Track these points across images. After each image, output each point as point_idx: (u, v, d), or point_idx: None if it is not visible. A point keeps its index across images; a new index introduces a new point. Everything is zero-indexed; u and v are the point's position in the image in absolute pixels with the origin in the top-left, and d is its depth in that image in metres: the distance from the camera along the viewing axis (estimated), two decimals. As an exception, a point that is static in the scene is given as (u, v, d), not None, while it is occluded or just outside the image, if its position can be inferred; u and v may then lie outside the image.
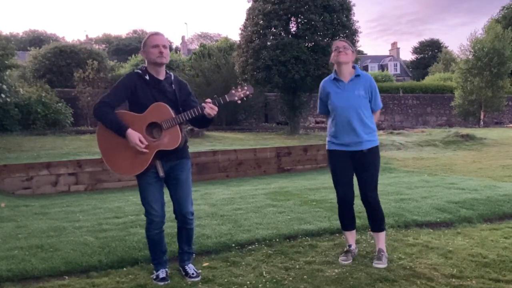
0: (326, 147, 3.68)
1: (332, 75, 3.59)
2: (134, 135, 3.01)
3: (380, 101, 3.65)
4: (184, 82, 3.35)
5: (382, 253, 3.55)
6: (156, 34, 3.17)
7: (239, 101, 3.20)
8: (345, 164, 3.56)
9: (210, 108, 3.06)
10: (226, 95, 3.17)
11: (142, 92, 3.11)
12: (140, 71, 3.17)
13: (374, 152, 3.56)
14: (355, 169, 3.59)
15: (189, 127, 2.98)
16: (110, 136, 3.09)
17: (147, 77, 3.15)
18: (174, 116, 3.06)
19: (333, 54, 3.54)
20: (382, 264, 3.43)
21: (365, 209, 3.66)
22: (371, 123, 3.57)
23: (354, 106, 3.47)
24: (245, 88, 3.21)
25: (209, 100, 3.11)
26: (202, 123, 3.28)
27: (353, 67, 3.57)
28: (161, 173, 3.16)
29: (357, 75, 3.54)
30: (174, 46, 53.83)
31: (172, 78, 3.25)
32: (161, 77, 3.19)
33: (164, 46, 3.12)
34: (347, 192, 3.60)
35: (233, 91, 3.19)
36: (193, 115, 3.08)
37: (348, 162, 3.56)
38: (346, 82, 3.52)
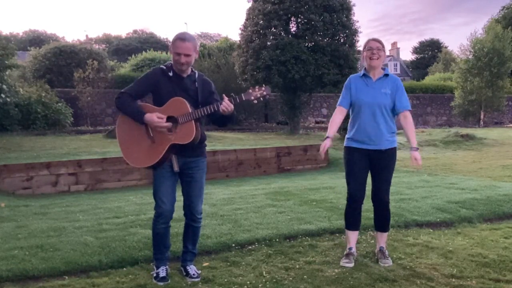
0: (345, 143, 3.68)
1: (362, 72, 3.62)
2: (152, 116, 3.07)
3: (407, 101, 3.62)
4: (208, 80, 3.36)
5: (386, 251, 3.58)
6: (183, 40, 3.10)
7: (255, 101, 3.18)
8: (362, 162, 3.55)
9: (225, 105, 3.08)
10: (242, 94, 3.18)
11: (164, 88, 3.16)
12: (164, 67, 3.21)
13: (392, 153, 3.58)
14: (371, 169, 3.59)
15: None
16: (128, 128, 3.18)
17: (170, 73, 3.18)
18: (191, 111, 3.08)
19: (365, 53, 3.54)
20: (389, 262, 3.45)
21: (374, 209, 3.65)
22: (393, 124, 3.59)
23: (380, 103, 3.49)
24: (263, 88, 3.18)
25: (226, 97, 3.13)
26: (221, 121, 3.30)
27: (383, 69, 3.60)
28: (176, 168, 3.18)
29: (386, 75, 3.57)
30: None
31: (196, 76, 3.27)
32: (185, 74, 3.22)
33: (186, 55, 3.10)
34: (359, 190, 3.56)
35: (250, 91, 3.18)
36: (209, 111, 3.10)
37: (365, 161, 3.56)
38: (374, 80, 3.56)
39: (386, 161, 3.56)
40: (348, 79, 3.68)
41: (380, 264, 3.46)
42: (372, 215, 3.78)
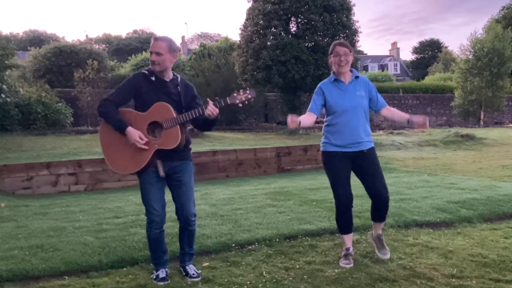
0: (322, 148, 3.65)
1: (332, 77, 3.59)
2: (134, 133, 3.05)
3: (383, 99, 3.67)
4: (190, 85, 3.35)
5: (383, 237, 3.64)
6: (155, 39, 3.16)
7: (240, 104, 3.19)
8: (345, 165, 3.53)
9: (210, 109, 3.07)
10: (227, 98, 3.18)
11: (146, 93, 3.14)
12: (146, 72, 3.20)
13: (373, 151, 3.59)
14: (356, 171, 3.58)
15: (189, 127, 2.97)
16: (111, 133, 3.14)
17: (153, 78, 3.18)
18: (175, 116, 3.07)
19: (332, 59, 3.52)
20: (387, 254, 3.48)
21: (375, 205, 3.60)
22: (369, 125, 3.61)
23: (358, 106, 3.50)
24: (247, 92, 3.19)
25: (210, 101, 3.12)
26: (205, 125, 3.30)
27: (351, 71, 3.60)
28: (161, 173, 3.17)
29: (356, 77, 3.58)
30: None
31: (179, 80, 3.27)
32: (167, 78, 3.21)
33: (158, 54, 3.10)
34: (348, 194, 3.55)
35: (235, 94, 3.19)
36: (194, 116, 3.10)
37: (347, 164, 3.54)
38: (347, 84, 3.55)
39: (370, 159, 3.55)
40: (318, 87, 3.61)
41: (378, 255, 3.45)
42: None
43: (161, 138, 3.10)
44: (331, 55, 3.53)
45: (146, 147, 3.06)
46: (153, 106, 3.09)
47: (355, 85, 3.55)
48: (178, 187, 3.25)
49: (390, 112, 3.66)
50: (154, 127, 3.13)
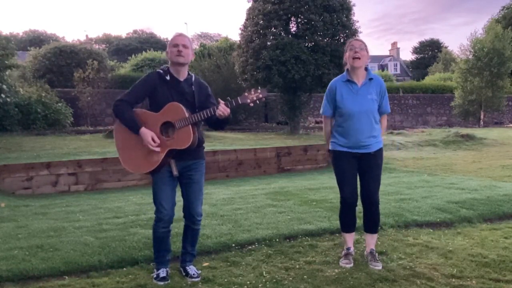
0: (330, 147, 3.63)
1: (345, 76, 3.53)
2: (147, 134, 3.07)
3: (388, 105, 3.62)
4: (205, 84, 3.37)
5: (376, 253, 3.58)
6: (179, 34, 3.23)
7: (252, 104, 3.17)
8: (351, 164, 3.53)
9: (221, 110, 3.08)
10: (238, 97, 3.17)
11: (161, 92, 3.16)
12: (161, 71, 3.22)
13: (379, 154, 3.56)
14: (360, 171, 3.57)
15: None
16: (126, 134, 3.17)
17: (167, 77, 3.20)
18: (187, 116, 3.08)
19: (348, 53, 3.47)
20: (379, 266, 3.44)
21: (364, 210, 3.62)
22: (378, 126, 3.57)
23: (368, 110, 3.45)
24: (258, 91, 3.17)
25: (222, 101, 3.12)
26: (217, 124, 3.31)
27: (366, 69, 3.54)
28: (175, 172, 3.18)
29: (370, 79, 3.51)
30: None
31: (193, 79, 3.29)
32: (182, 77, 3.23)
33: (184, 46, 3.16)
34: (352, 193, 3.55)
35: (246, 94, 3.18)
36: (206, 116, 3.11)
37: (354, 163, 3.53)
38: (359, 86, 3.49)
39: (374, 162, 3.53)
40: (330, 85, 3.59)
41: (370, 267, 3.42)
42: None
43: (173, 138, 3.12)
44: (347, 50, 3.49)
45: (158, 149, 3.08)
46: (166, 106, 3.12)
47: (368, 88, 3.48)
48: (189, 184, 3.26)
49: (381, 123, 3.65)
50: (167, 127, 3.15)
